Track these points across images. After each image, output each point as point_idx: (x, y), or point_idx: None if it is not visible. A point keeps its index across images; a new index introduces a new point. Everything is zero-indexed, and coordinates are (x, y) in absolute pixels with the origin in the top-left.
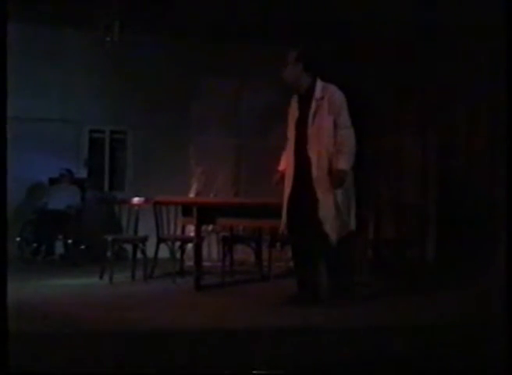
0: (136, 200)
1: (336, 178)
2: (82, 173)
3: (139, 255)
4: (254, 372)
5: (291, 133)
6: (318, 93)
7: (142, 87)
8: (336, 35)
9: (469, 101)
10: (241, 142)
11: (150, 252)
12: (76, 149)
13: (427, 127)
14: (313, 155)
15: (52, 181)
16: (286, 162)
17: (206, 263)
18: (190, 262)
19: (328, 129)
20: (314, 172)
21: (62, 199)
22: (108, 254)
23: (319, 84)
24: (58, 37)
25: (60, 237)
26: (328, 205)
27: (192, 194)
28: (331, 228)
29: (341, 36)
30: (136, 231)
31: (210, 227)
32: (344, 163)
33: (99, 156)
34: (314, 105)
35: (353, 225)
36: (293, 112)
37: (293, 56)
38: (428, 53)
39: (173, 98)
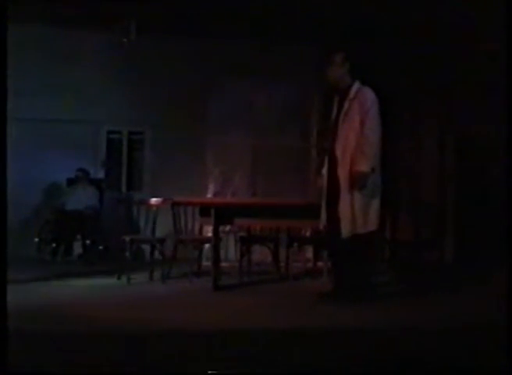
0: (154, 200)
1: (355, 179)
2: (100, 174)
3: (156, 255)
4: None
5: (330, 133)
6: (352, 93)
7: (159, 87)
8: (355, 34)
9: (488, 101)
10: (258, 142)
11: (167, 253)
12: (94, 150)
13: (446, 127)
14: (339, 153)
15: (70, 182)
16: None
17: (224, 264)
18: (207, 263)
19: (355, 129)
20: (339, 169)
21: (80, 200)
22: (126, 254)
23: (355, 86)
24: (76, 39)
25: (78, 237)
26: (345, 203)
27: (209, 195)
28: (344, 225)
29: (361, 35)
30: (153, 232)
31: (227, 228)
32: (364, 165)
33: (117, 157)
34: (346, 104)
35: (373, 225)
36: (332, 114)
37: (341, 57)
38: (452, 54)
39: (190, 98)
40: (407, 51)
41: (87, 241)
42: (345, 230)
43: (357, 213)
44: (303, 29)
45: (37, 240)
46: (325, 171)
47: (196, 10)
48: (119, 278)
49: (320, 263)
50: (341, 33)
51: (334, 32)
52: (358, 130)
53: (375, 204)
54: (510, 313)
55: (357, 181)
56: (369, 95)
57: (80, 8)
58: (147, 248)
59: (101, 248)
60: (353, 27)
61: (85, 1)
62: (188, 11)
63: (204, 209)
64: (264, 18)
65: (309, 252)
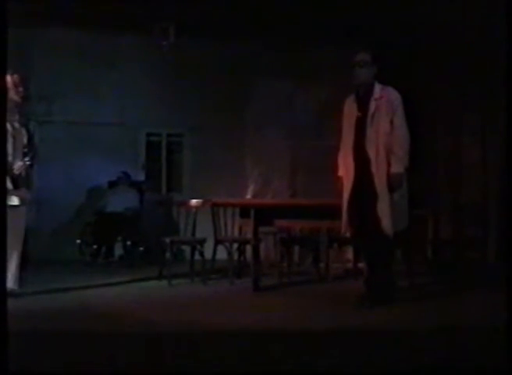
0: (193, 202)
1: (392, 181)
2: (140, 176)
3: (197, 256)
4: None
5: (349, 133)
6: (377, 93)
7: (197, 89)
8: (390, 37)
9: None
10: (297, 143)
11: (208, 254)
12: (134, 152)
13: (487, 126)
14: (372, 153)
15: (111, 184)
16: (344, 164)
17: (263, 265)
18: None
19: (386, 128)
20: (374, 169)
21: (121, 202)
22: (167, 255)
23: (377, 86)
24: (115, 41)
25: (119, 239)
26: (385, 203)
27: (249, 196)
28: (386, 223)
29: (398, 37)
30: (193, 233)
31: (266, 229)
32: (398, 166)
33: (156, 159)
34: (373, 104)
35: (407, 221)
36: (351, 113)
37: (369, 57)
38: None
39: (228, 99)
40: (445, 48)
41: (128, 243)
42: (388, 228)
43: (396, 211)
44: (340, 31)
45: (78, 241)
46: (342, 172)
47: (234, 12)
48: (159, 279)
49: (360, 264)
50: (377, 34)
51: (370, 34)
52: (389, 130)
53: (406, 200)
54: (510, 314)
55: (394, 183)
56: (395, 94)
57: (119, 11)
58: (187, 248)
59: (141, 249)
60: (389, 27)
61: (124, 5)
62: (226, 13)
63: (244, 210)
64: (303, 20)
65: (349, 253)
